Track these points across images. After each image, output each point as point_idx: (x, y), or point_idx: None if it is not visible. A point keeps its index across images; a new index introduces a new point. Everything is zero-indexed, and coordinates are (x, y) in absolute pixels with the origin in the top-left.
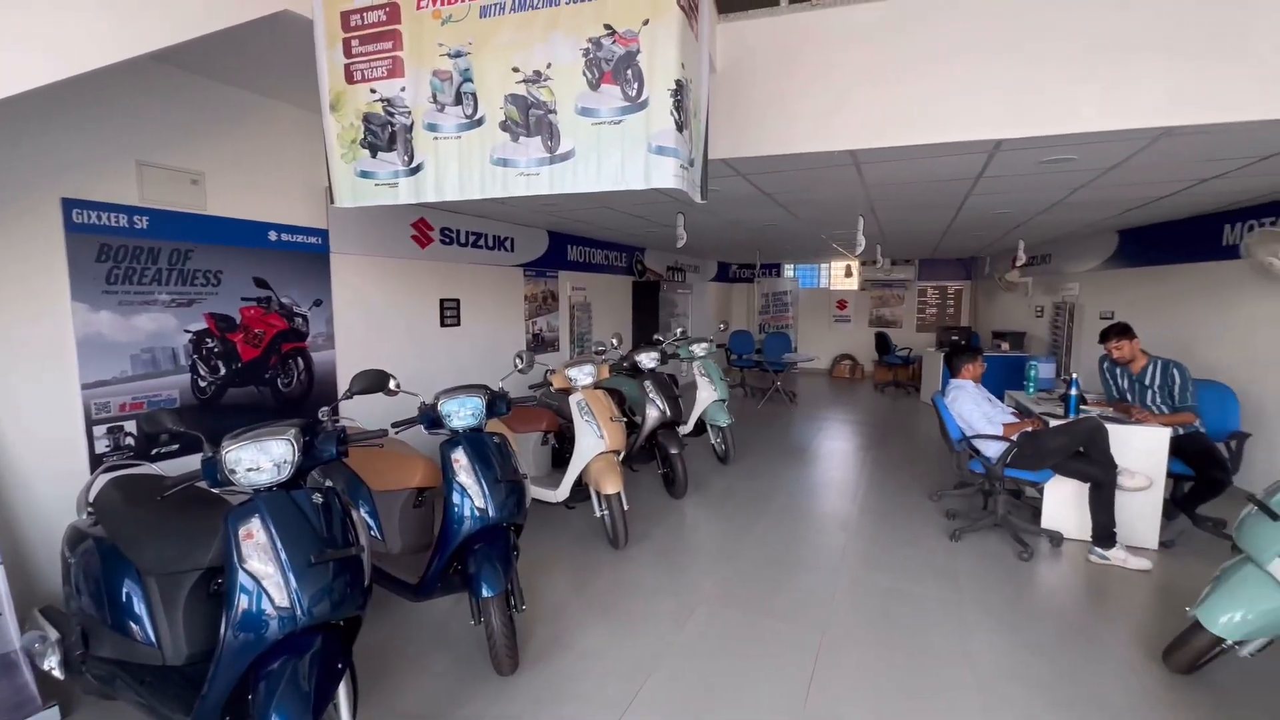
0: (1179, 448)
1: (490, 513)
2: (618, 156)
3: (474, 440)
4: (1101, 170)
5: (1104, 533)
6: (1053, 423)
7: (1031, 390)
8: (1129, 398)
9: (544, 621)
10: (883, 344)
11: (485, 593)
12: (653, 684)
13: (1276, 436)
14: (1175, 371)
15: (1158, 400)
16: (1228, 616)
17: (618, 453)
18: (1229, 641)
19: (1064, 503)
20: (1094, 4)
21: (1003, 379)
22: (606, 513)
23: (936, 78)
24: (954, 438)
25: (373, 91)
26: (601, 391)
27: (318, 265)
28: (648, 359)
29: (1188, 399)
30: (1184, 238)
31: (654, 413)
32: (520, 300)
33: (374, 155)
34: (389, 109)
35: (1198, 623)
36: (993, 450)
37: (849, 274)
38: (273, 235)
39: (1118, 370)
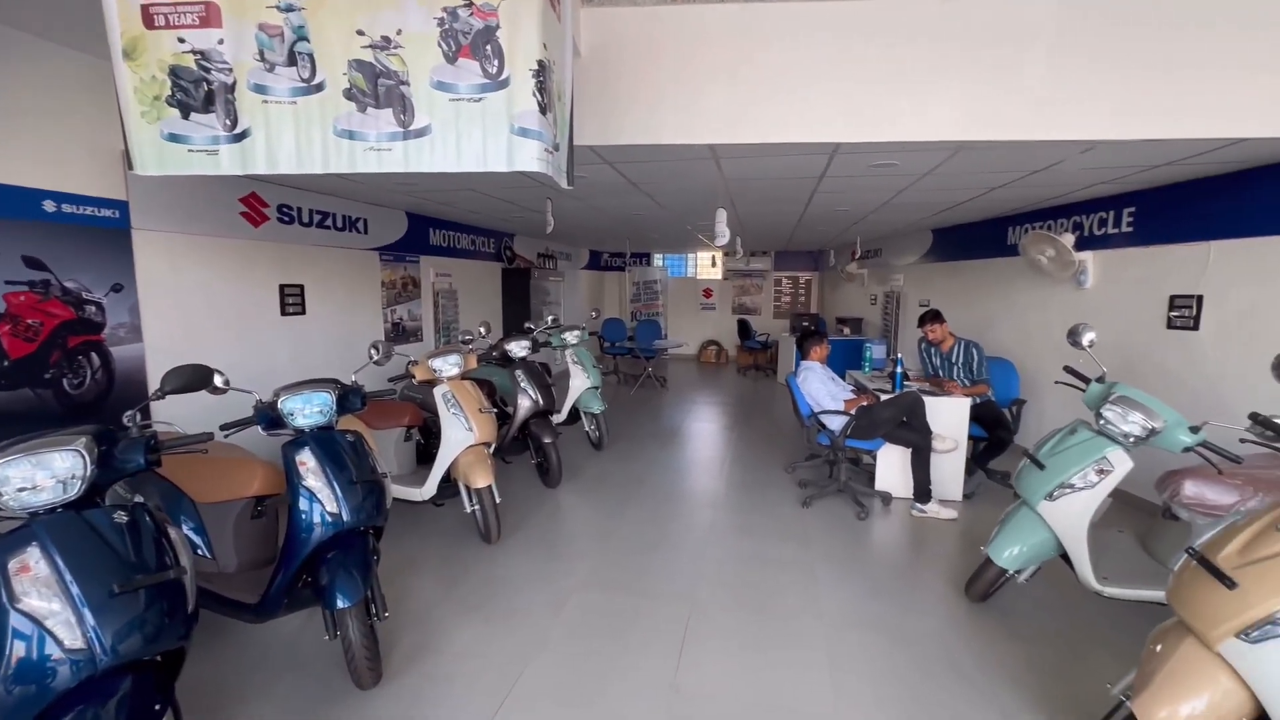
0: (976, 414)
1: (344, 517)
2: (479, 136)
3: (323, 439)
4: (918, 175)
5: (922, 490)
6: (883, 397)
7: (868, 369)
8: (940, 374)
9: (411, 627)
10: (744, 330)
11: (340, 603)
12: (528, 676)
13: (1045, 402)
14: (974, 350)
15: (961, 375)
16: (1009, 551)
17: (488, 445)
18: (1010, 571)
19: (892, 467)
20: (909, 33)
21: (845, 360)
22: (477, 507)
23: (784, 83)
24: (804, 414)
25: (181, 41)
26: (469, 382)
27: (115, 243)
28: (519, 347)
29: (983, 373)
30: (980, 237)
31: (526, 402)
32: (377, 287)
33: (186, 116)
34: (204, 64)
35: (988, 559)
36: (836, 424)
37: (714, 264)
38: (49, 205)
39: (932, 350)
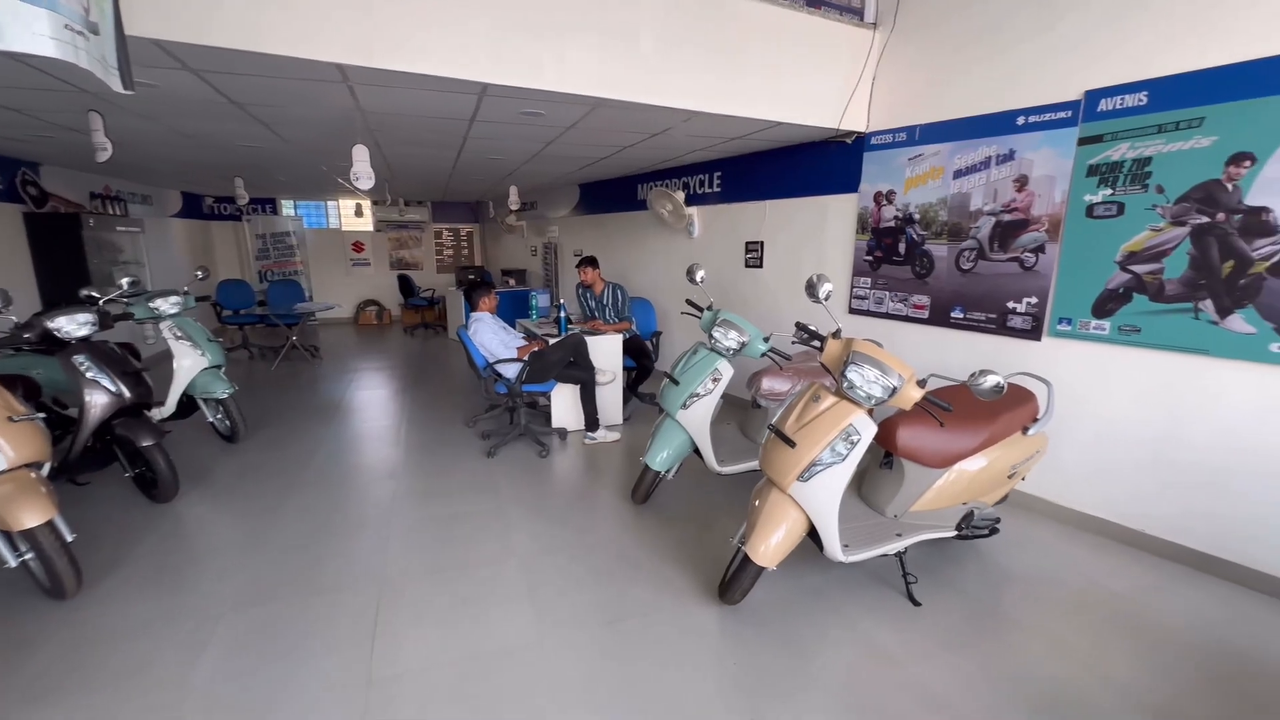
0: (626, 348)
1: None
2: None
3: None
4: (564, 128)
5: (591, 420)
6: (551, 341)
7: (535, 317)
8: (596, 315)
9: None
10: (406, 287)
11: None
12: None
13: (675, 332)
14: (619, 292)
15: (611, 315)
16: (660, 455)
17: (38, 466)
18: (663, 472)
19: (565, 404)
20: None
21: (514, 310)
22: (32, 555)
23: (430, 10)
24: (480, 366)
25: None
26: None
27: None
28: (75, 324)
29: (627, 311)
30: (618, 193)
31: (101, 398)
32: None
33: None
34: None
35: (646, 466)
36: (511, 372)
37: (359, 213)
38: None
39: (587, 294)
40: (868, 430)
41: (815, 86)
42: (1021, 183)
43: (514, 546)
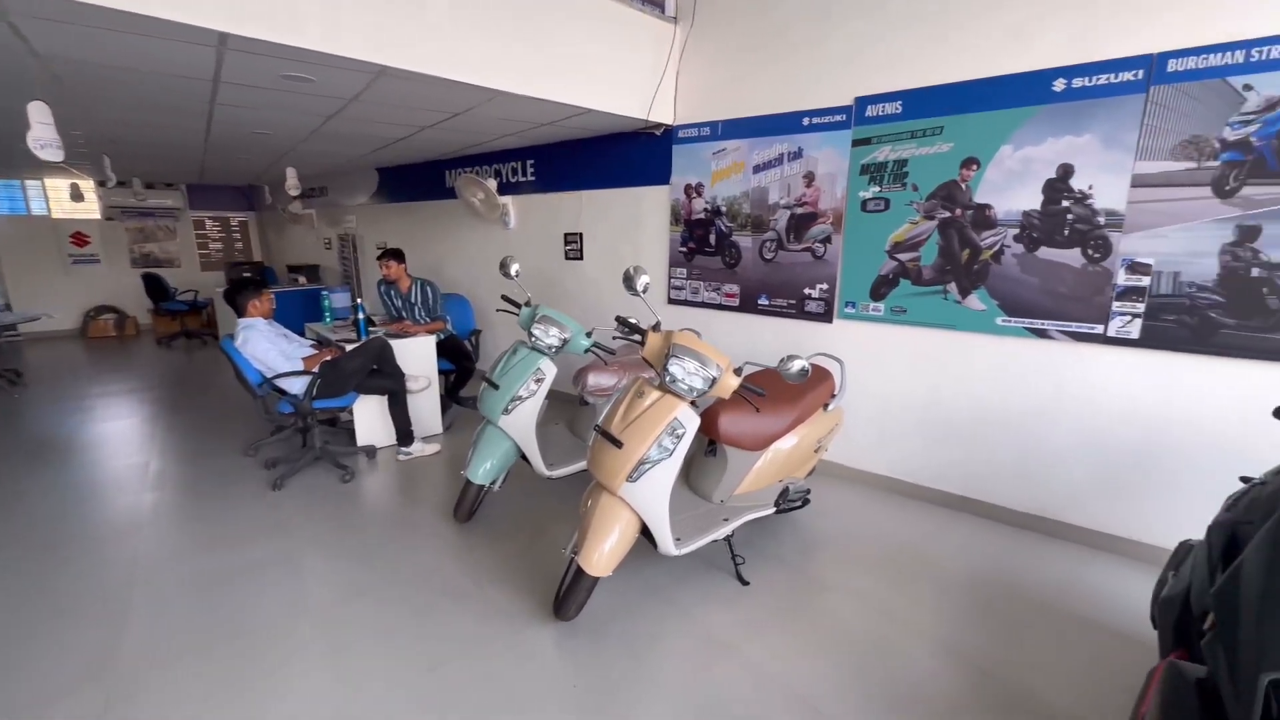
0: (442, 349)
1: None
2: None
3: None
4: (344, 100)
5: (404, 433)
6: (349, 348)
7: (329, 320)
8: (403, 315)
9: None
10: (157, 288)
11: None
12: None
13: (496, 329)
14: (429, 289)
15: (422, 314)
16: (483, 467)
17: None
18: (487, 484)
19: (371, 418)
20: None
21: (303, 312)
22: None
23: None
24: (254, 383)
25: None
26: None
27: None
28: None
29: (439, 310)
30: (423, 179)
31: None
32: None
33: None
34: None
35: (468, 480)
36: (298, 386)
37: (78, 197)
38: None
39: (392, 292)
40: (692, 423)
41: (623, 75)
42: (810, 179)
43: (308, 599)
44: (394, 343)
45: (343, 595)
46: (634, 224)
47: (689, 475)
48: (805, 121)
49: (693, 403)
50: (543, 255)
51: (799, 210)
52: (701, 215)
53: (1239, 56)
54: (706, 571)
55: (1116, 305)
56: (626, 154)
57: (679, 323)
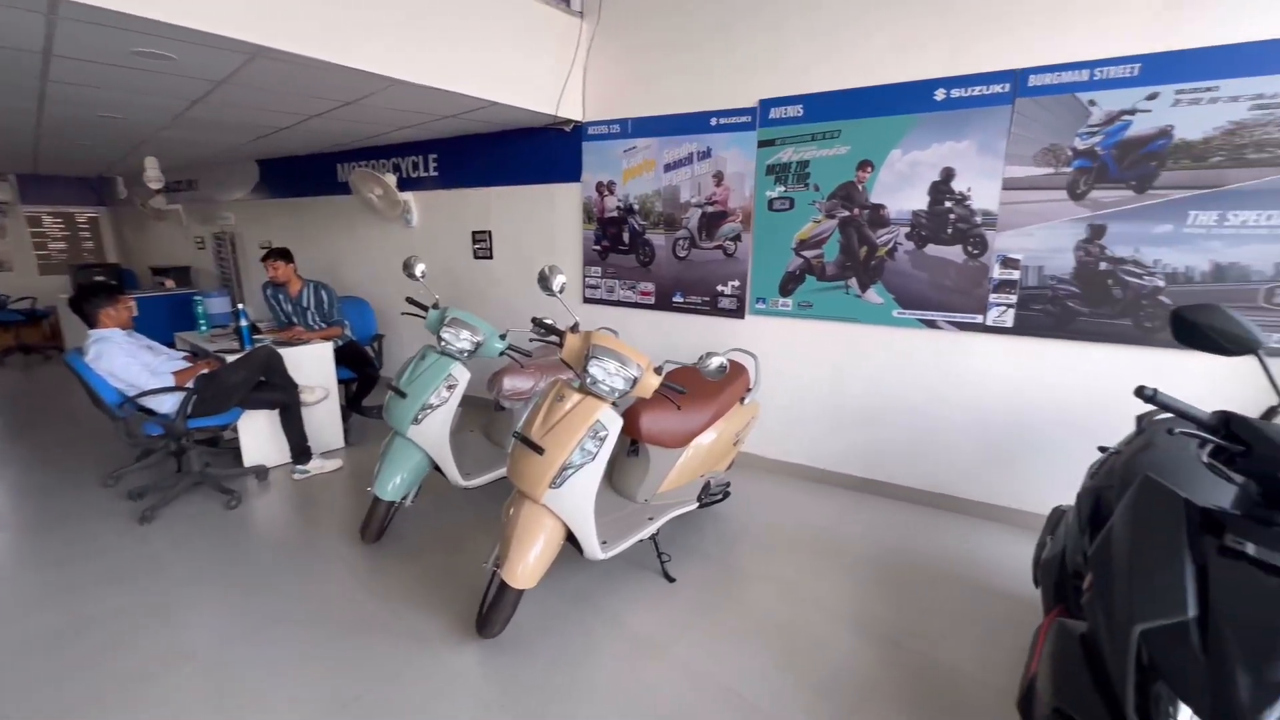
0: (341, 356)
1: None
2: None
3: None
4: (213, 82)
5: (300, 450)
6: (230, 359)
7: (205, 328)
8: (294, 320)
9: None
10: None
11: None
12: None
13: (400, 333)
14: (323, 292)
15: (316, 319)
16: (392, 483)
17: None
18: (398, 500)
19: (260, 435)
20: None
21: (171, 320)
22: None
23: None
24: (112, 403)
25: None
26: None
27: None
28: None
29: (335, 314)
30: (312, 173)
31: None
32: None
33: None
34: None
35: (376, 497)
36: (169, 405)
37: None
38: None
39: (280, 296)
40: (615, 424)
41: (531, 68)
42: (719, 178)
43: (190, 644)
44: (285, 351)
45: (233, 635)
46: (546, 222)
47: (612, 476)
48: (713, 122)
49: (614, 404)
50: (450, 254)
51: (710, 209)
52: (614, 213)
53: (1085, 75)
54: (633, 572)
55: (993, 297)
56: (536, 150)
57: (595, 322)
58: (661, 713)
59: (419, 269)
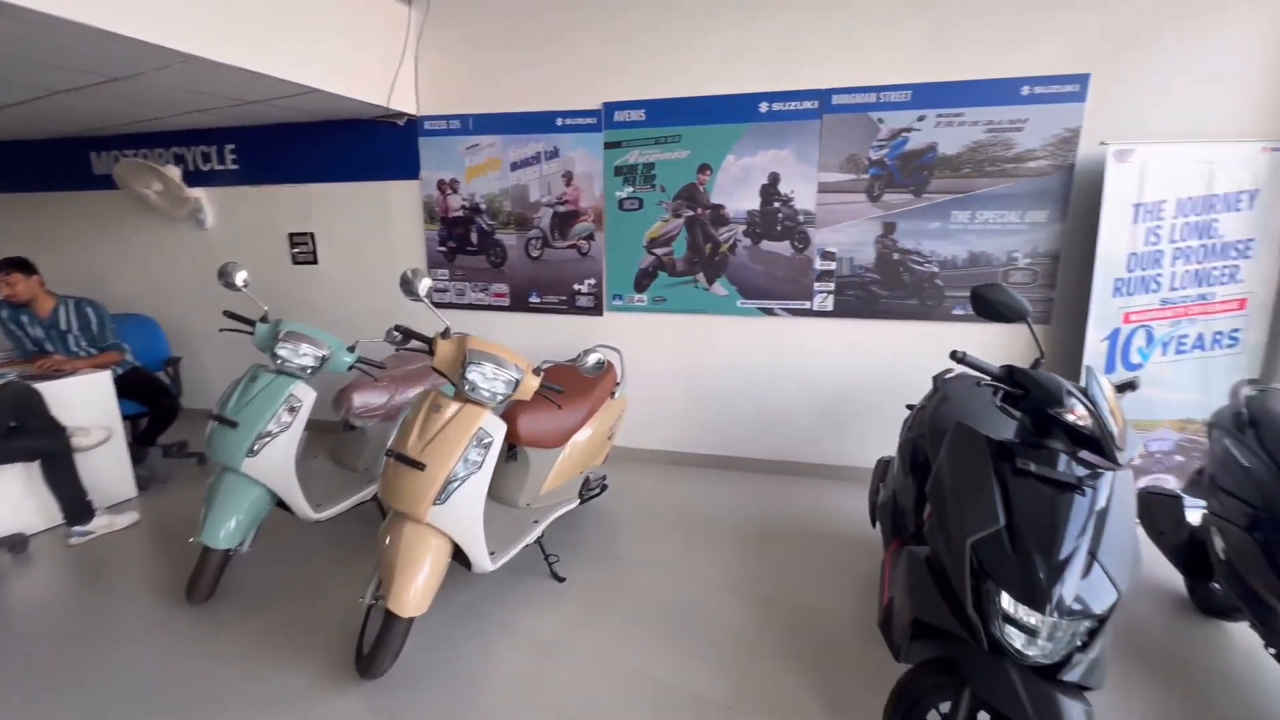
0: (124, 387)
1: None
2: None
3: None
4: None
5: (77, 507)
6: None
7: None
8: (48, 348)
9: None
10: None
11: None
12: None
13: (202, 354)
14: (90, 310)
15: (82, 344)
16: (225, 528)
17: None
18: (233, 548)
19: (14, 496)
20: None
21: None
22: None
23: None
24: None
25: None
26: None
27: None
28: None
29: (108, 336)
30: (55, 163)
31: None
32: None
33: None
34: None
35: (206, 547)
36: None
37: None
38: None
39: (24, 319)
40: (498, 430)
41: (357, 55)
42: (569, 178)
43: None
44: (43, 386)
45: None
46: (381, 221)
47: (491, 484)
48: (559, 122)
49: (492, 408)
50: (262, 259)
51: (561, 208)
52: (460, 213)
53: (874, 97)
54: (521, 578)
55: (817, 286)
56: (365, 144)
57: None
58: (577, 709)
59: (239, 277)
